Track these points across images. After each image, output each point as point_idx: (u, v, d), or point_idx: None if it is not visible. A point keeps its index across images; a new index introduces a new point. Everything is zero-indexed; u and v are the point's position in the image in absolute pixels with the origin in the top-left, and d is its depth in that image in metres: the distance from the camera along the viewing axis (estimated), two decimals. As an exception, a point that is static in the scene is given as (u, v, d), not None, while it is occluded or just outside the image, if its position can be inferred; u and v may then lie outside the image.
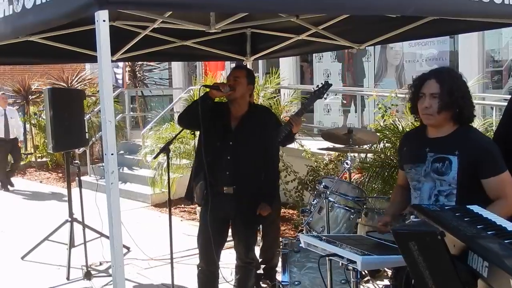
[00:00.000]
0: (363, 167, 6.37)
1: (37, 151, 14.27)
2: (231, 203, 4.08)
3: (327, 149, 5.62)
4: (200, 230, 4.23)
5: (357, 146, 5.40)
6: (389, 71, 10.81)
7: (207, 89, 4.14)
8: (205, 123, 4.03)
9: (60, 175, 12.96)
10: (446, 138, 3.02)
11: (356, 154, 6.55)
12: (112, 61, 6.32)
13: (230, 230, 4.28)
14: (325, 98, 5.37)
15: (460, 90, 2.98)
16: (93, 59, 5.71)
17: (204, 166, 4.00)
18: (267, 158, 4.12)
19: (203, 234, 4.17)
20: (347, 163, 4.24)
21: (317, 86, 5.17)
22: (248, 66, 6.78)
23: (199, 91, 4.10)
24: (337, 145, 5.28)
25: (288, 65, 11.60)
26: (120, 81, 13.60)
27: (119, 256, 2.42)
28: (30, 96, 14.53)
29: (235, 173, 4.06)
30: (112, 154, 2.30)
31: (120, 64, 13.08)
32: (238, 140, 4.09)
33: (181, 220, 8.24)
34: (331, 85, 5.12)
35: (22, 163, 14.13)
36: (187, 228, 7.40)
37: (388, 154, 6.21)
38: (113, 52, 6.02)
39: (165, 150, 4.54)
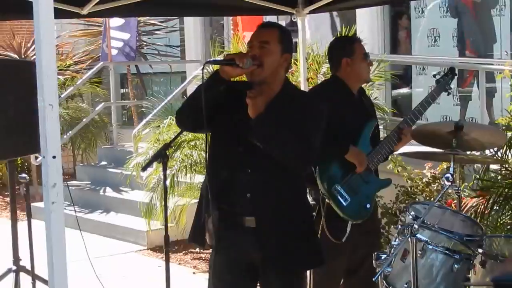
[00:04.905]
0: (482, 187, 6.31)
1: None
2: (255, 241, 4.12)
3: (410, 155, 5.62)
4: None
5: (470, 152, 5.37)
6: (535, 32, 10.68)
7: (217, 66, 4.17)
8: (215, 119, 4.08)
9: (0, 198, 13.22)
10: None
11: (472, 166, 6.48)
12: (83, 16, 6.46)
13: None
14: (449, 93, 5.49)
15: None
16: (63, 14, 5.87)
17: (215, 186, 4.09)
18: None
19: None
20: (447, 178, 4.21)
21: (438, 73, 5.39)
22: (299, 23, 6.83)
23: (203, 71, 4.10)
24: (437, 150, 5.26)
25: (369, 22, 11.59)
26: (104, 50, 13.80)
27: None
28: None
29: (258, 196, 4.09)
30: (54, 157, 2.31)
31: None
32: None
33: (194, 273, 8.35)
34: (456, 74, 5.37)
35: None
36: (203, 286, 7.44)
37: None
38: (83, 1, 6.14)
39: (161, 157, 4.58)
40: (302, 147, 4.06)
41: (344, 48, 5.29)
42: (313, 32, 11.61)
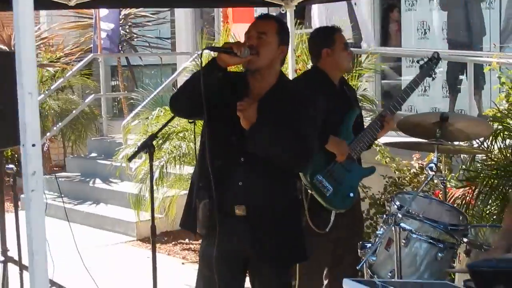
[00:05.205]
0: (469, 177, 6.33)
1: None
2: (245, 231, 4.12)
3: (394, 145, 5.67)
4: (200, 277, 4.32)
5: (457, 143, 5.39)
6: (525, 26, 10.68)
7: (215, 54, 4.17)
8: (212, 106, 4.04)
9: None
10: None
11: (460, 157, 6.49)
12: (70, 7, 6.45)
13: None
14: (433, 78, 5.52)
15: None
16: (51, 4, 5.83)
17: (209, 174, 4.03)
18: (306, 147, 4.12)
19: (204, 282, 4.26)
20: (430, 168, 4.22)
21: (422, 59, 5.40)
22: (288, 15, 6.83)
23: (201, 58, 4.08)
24: (422, 140, 5.28)
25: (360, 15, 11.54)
26: (95, 42, 13.77)
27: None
28: None
29: (250, 184, 4.10)
30: (33, 145, 2.30)
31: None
32: None
33: (183, 264, 8.37)
34: (440, 59, 5.37)
35: None
36: (191, 276, 7.44)
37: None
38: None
39: (147, 147, 4.59)
40: (301, 146, 4.08)
41: (325, 38, 5.27)
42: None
